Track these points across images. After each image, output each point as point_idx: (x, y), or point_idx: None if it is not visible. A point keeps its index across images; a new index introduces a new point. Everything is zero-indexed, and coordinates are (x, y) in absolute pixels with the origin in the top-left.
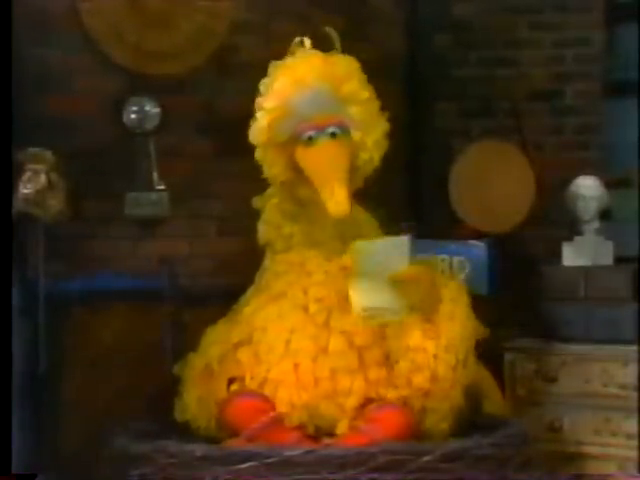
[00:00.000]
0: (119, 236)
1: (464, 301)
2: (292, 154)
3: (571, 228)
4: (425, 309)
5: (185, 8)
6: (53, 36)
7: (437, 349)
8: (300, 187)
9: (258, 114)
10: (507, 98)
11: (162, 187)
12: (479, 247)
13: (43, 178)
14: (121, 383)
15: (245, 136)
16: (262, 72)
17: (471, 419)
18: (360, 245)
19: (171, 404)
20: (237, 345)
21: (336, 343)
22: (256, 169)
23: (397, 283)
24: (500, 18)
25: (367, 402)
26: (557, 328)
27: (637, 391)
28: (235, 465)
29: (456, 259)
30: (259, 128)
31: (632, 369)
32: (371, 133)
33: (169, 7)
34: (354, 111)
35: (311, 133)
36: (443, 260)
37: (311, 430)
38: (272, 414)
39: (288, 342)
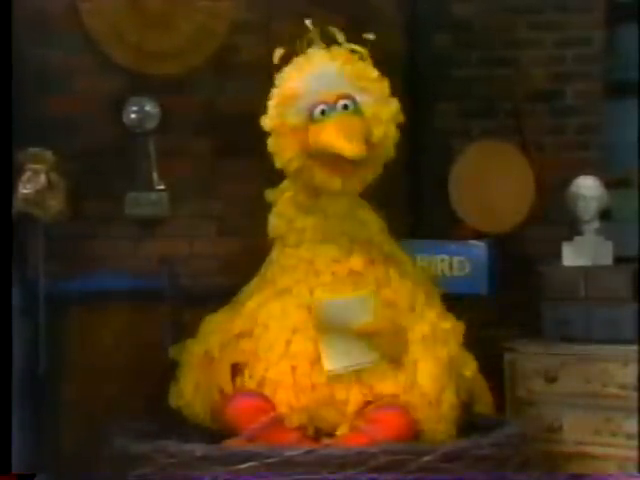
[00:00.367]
0: (119, 236)
1: (437, 336)
2: (305, 139)
3: (571, 228)
4: (394, 356)
5: (185, 8)
6: (53, 36)
7: (411, 397)
8: (315, 172)
9: (270, 101)
10: (507, 98)
11: (162, 187)
12: (479, 247)
13: (43, 178)
14: (121, 383)
15: (245, 136)
16: (262, 72)
17: (466, 419)
18: (325, 303)
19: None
20: (239, 336)
21: None
22: (256, 169)
23: (363, 336)
24: (500, 18)
25: (366, 404)
26: (557, 328)
27: (637, 391)
28: (235, 465)
29: (456, 259)
30: (271, 114)
31: (632, 369)
32: (383, 108)
33: (169, 7)
34: (364, 87)
35: (323, 107)
36: (443, 260)
37: (311, 431)
38: (272, 414)
39: (289, 342)
